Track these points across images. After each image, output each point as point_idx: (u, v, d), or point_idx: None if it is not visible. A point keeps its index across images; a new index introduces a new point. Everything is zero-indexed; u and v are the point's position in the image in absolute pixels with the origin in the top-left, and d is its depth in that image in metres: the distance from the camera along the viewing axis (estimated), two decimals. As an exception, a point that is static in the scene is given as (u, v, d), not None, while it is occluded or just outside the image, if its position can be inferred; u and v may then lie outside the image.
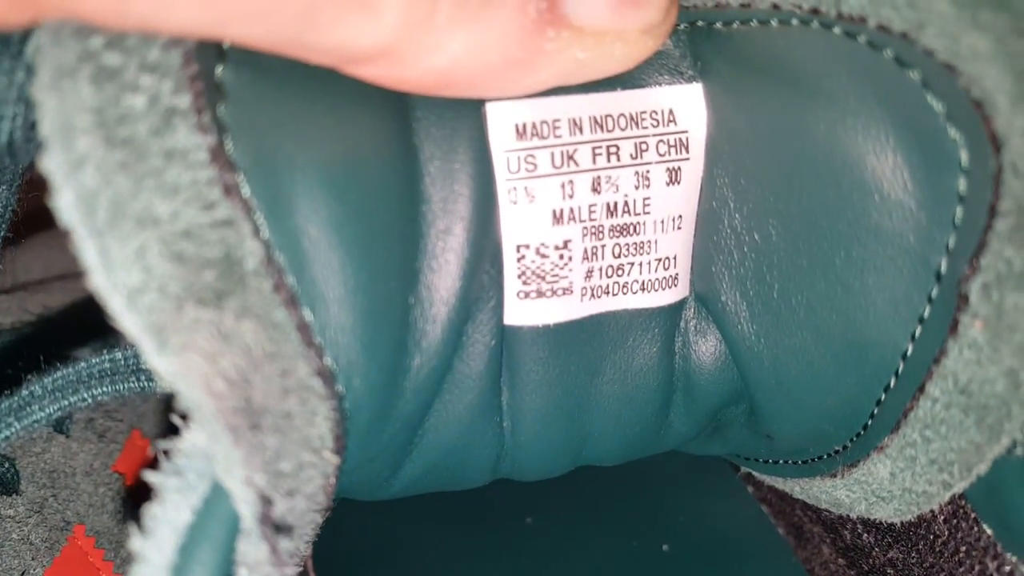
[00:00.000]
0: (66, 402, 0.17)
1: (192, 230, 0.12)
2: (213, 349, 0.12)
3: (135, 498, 0.24)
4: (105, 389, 0.17)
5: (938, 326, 0.15)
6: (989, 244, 0.14)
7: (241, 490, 0.12)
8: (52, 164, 0.11)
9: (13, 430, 0.17)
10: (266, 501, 0.12)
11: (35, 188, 0.19)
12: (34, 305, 0.29)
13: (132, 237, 0.12)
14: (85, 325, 0.25)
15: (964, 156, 0.14)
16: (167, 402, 0.26)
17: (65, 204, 0.11)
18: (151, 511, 0.13)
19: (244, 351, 0.12)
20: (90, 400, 0.17)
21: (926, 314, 0.15)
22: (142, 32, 0.12)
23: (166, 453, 0.13)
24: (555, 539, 0.29)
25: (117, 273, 0.12)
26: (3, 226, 0.19)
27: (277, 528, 0.13)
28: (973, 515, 0.18)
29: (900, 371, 0.16)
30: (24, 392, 0.17)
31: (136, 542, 0.12)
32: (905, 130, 0.15)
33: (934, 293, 0.15)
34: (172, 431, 0.13)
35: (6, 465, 0.21)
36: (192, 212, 0.12)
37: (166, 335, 0.12)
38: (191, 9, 0.12)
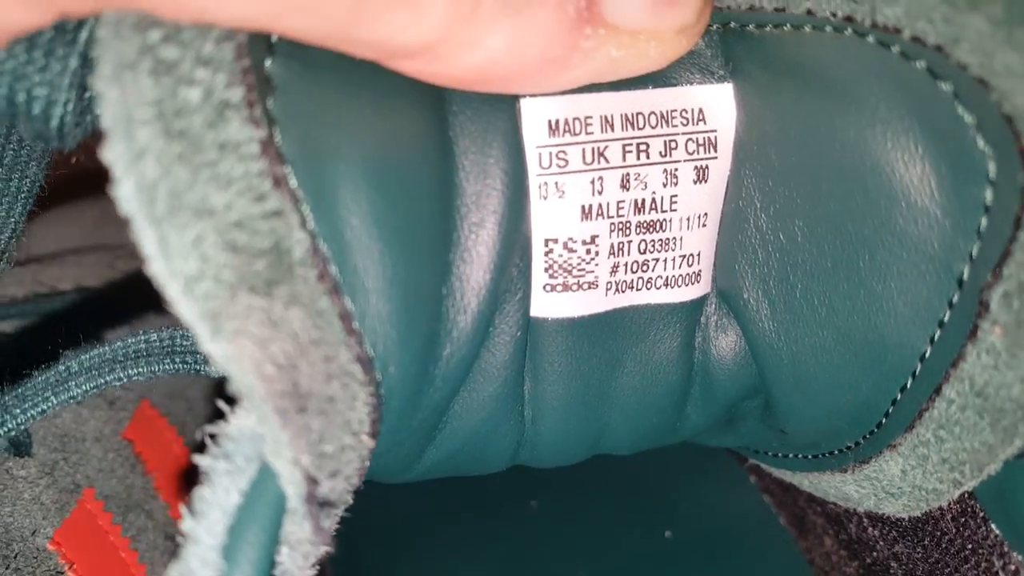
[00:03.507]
0: (102, 380, 0.17)
1: (244, 221, 0.13)
2: (264, 335, 0.12)
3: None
4: (140, 370, 0.17)
5: (957, 331, 0.15)
6: (1013, 254, 0.14)
7: (289, 471, 0.13)
8: (113, 155, 0.12)
9: (50, 404, 0.17)
10: (312, 481, 0.13)
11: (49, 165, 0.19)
12: (47, 277, 0.29)
13: (189, 227, 0.12)
14: (117, 305, 0.25)
15: (992, 168, 0.14)
16: (176, 376, 0.27)
17: (125, 193, 0.12)
18: (201, 493, 0.13)
19: (292, 337, 0.13)
20: (125, 379, 0.17)
21: (946, 318, 0.16)
22: (197, 24, 0.13)
23: (213, 438, 0.13)
24: (559, 523, 0.29)
25: (175, 261, 0.12)
26: (30, 201, 0.19)
27: (321, 506, 0.13)
28: (982, 514, 0.18)
29: (917, 372, 0.16)
30: (60, 368, 0.18)
31: (187, 523, 0.13)
32: (934, 140, 0.15)
33: (955, 299, 0.15)
34: (205, 412, 0.14)
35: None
36: (244, 203, 0.13)
37: (220, 321, 0.12)
38: (245, 1, 0.12)
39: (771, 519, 0.29)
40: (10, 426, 0.17)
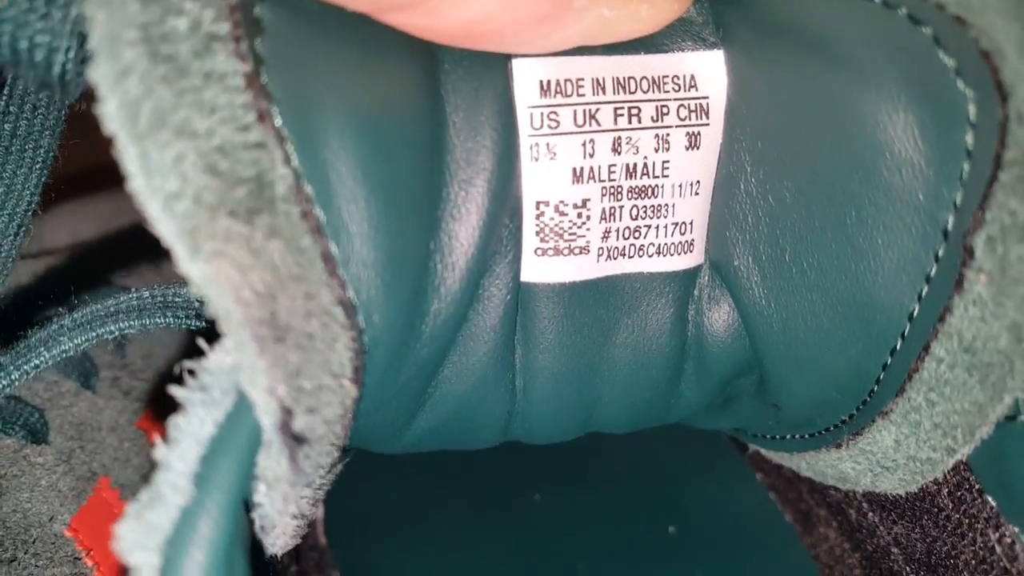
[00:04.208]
0: (94, 334, 0.17)
1: (227, 147, 0.13)
2: (243, 261, 0.13)
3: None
4: (132, 323, 0.17)
5: (944, 284, 0.15)
6: (994, 195, 0.14)
7: (263, 399, 0.13)
8: (99, 73, 0.12)
9: (43, 359, 0.18)
10: (287, 412, 0.13)
11: (63, 157, 0.20)
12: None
13: (171, 145, 0.12)
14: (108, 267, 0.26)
15: (972, 110, 0.14)
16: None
17: (110, 110, 0.12)
18: (175, 422, 0.13)
19: (272, 268, 0.13)
20: (116, 332, 0.17)
21: (932, 272, 0.16)
22: None
23: (191, 372, 0.13)
24: (562, 517, 0.29)
25: (155, 178, 0.12)
26: (45, 172, 0.19)
27: (296, 439, 0.13)
28: (977, 486, 0.18)
29: (906, 332, 0.16)
30: (54, 326, 0.18)
31: (160, 451, 0.13)
32: (917, 88, 0.15)
33: (941, 251, 0.15)
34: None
35: (36, 415, 0.22)
36: (227, 131, 0.13)
37: (199, 240, 0.12)
38: None
39: (776, 516, 0.29)
40: (5, 383, 0.18)
